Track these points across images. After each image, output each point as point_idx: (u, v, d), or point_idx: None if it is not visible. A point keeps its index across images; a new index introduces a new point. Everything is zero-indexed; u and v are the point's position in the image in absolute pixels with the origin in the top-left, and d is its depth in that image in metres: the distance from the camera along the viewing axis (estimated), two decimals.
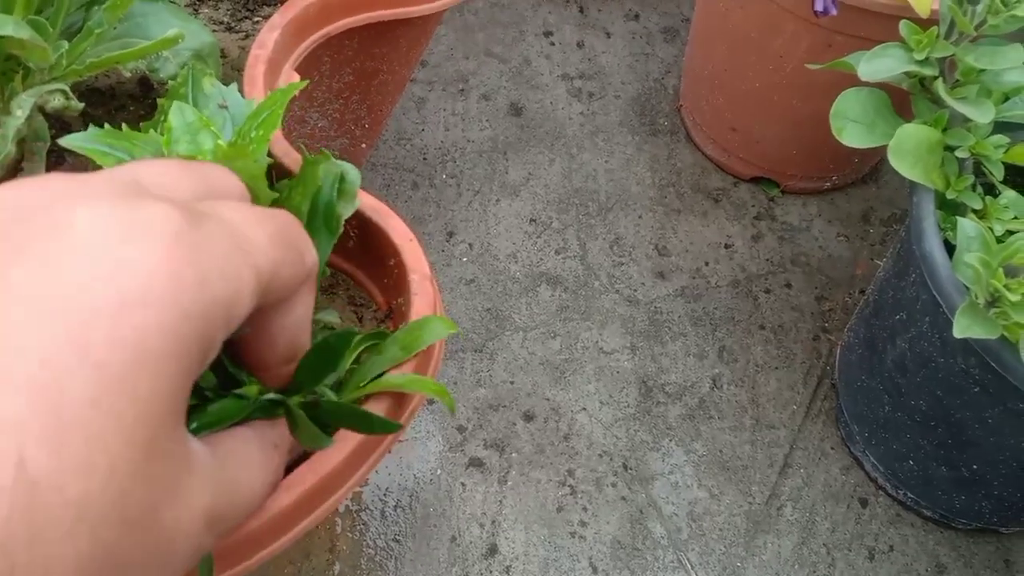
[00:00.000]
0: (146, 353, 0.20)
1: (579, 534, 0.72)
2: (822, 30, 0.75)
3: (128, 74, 0.52)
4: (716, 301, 0.86)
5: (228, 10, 0.66)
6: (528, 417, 0.78)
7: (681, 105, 0.99)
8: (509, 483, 0.74)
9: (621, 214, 0.91)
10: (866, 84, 0.61)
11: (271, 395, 0.43)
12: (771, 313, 0.85)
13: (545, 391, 0.79)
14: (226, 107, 0.52)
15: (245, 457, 0.28)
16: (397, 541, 0.70)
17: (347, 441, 0.42)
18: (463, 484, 0.74)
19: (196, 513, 0.23)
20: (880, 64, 0.58)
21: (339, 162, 0.50)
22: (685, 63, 0.97)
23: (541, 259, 0.87)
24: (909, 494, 0.74)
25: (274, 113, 0.47)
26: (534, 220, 0.90)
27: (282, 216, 0.28)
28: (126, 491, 0.20)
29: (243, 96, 0.53)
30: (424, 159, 0.93)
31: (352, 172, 0.50)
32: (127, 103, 0.57)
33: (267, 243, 0.25)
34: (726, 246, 0.90)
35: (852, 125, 0.54)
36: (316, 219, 0.43)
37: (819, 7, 0.61)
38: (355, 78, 0.71)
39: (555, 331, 0.83)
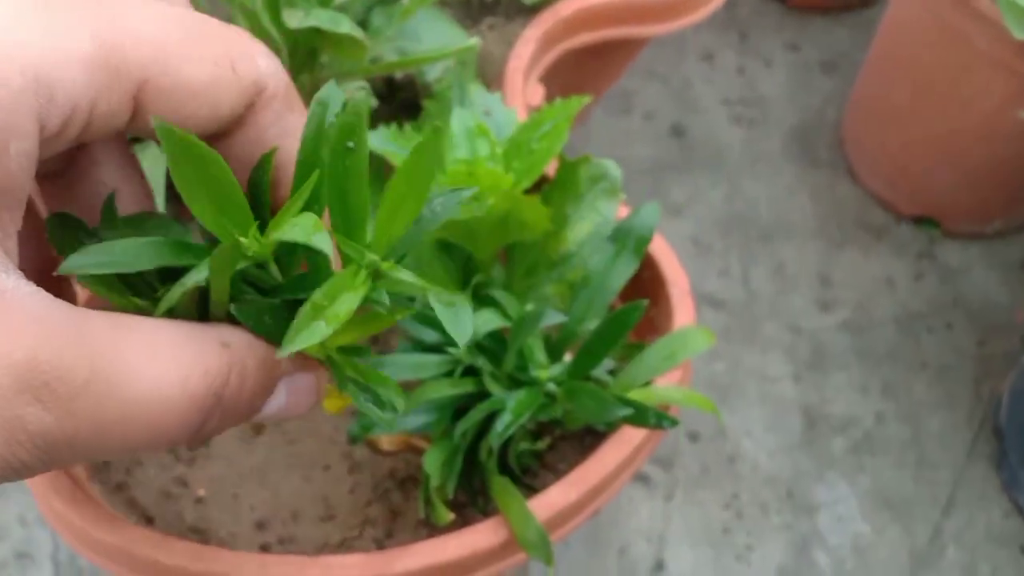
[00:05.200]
0: None
1: (745, 558, 0.72)
2: (1018, 79, 0.75)
3: (399, 75, 0.54)
4: (879, 337, 0.86)
5: (452, 18, 0.68)
6: (693, 437, 0.78)
7: (844, 138, 0.99)
8: (675, 500, 0.75)
9: (783, 242, 0.92)
10: None
11: (556, 374, 0.45)
12: (933, 353, 0.85)
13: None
14: (490, 114, 0.54)
15: (150, 342, 0.22)
16: (567, 545, 0.72)
17: (631, 437, 0.44)
18: (630, 497, 0.75)
19: None
20: None
21: (601, 161, 0.52)
22: (853, 98, 0.98)
23: (703, 281, 0.88)
24: None
25: (558, 127, 0.48)
26: (696, 242, 0.91)
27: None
28: None
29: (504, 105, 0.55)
30: None
31: (613, 169, 0.52)
32: None
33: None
34: (888, 282, 0.90)
35: None
36: (626, 243, 0.45)
37: None
38: (560, 91, 0.73)
39: (718, 353, 0.84)
